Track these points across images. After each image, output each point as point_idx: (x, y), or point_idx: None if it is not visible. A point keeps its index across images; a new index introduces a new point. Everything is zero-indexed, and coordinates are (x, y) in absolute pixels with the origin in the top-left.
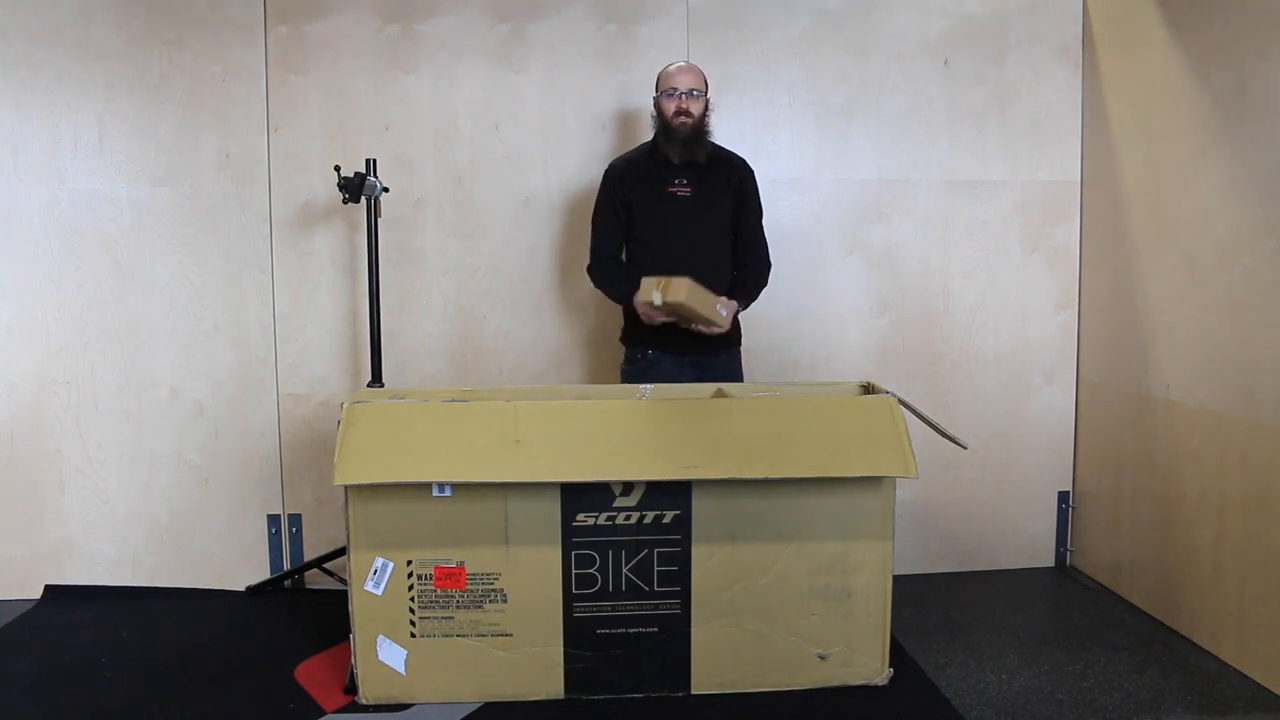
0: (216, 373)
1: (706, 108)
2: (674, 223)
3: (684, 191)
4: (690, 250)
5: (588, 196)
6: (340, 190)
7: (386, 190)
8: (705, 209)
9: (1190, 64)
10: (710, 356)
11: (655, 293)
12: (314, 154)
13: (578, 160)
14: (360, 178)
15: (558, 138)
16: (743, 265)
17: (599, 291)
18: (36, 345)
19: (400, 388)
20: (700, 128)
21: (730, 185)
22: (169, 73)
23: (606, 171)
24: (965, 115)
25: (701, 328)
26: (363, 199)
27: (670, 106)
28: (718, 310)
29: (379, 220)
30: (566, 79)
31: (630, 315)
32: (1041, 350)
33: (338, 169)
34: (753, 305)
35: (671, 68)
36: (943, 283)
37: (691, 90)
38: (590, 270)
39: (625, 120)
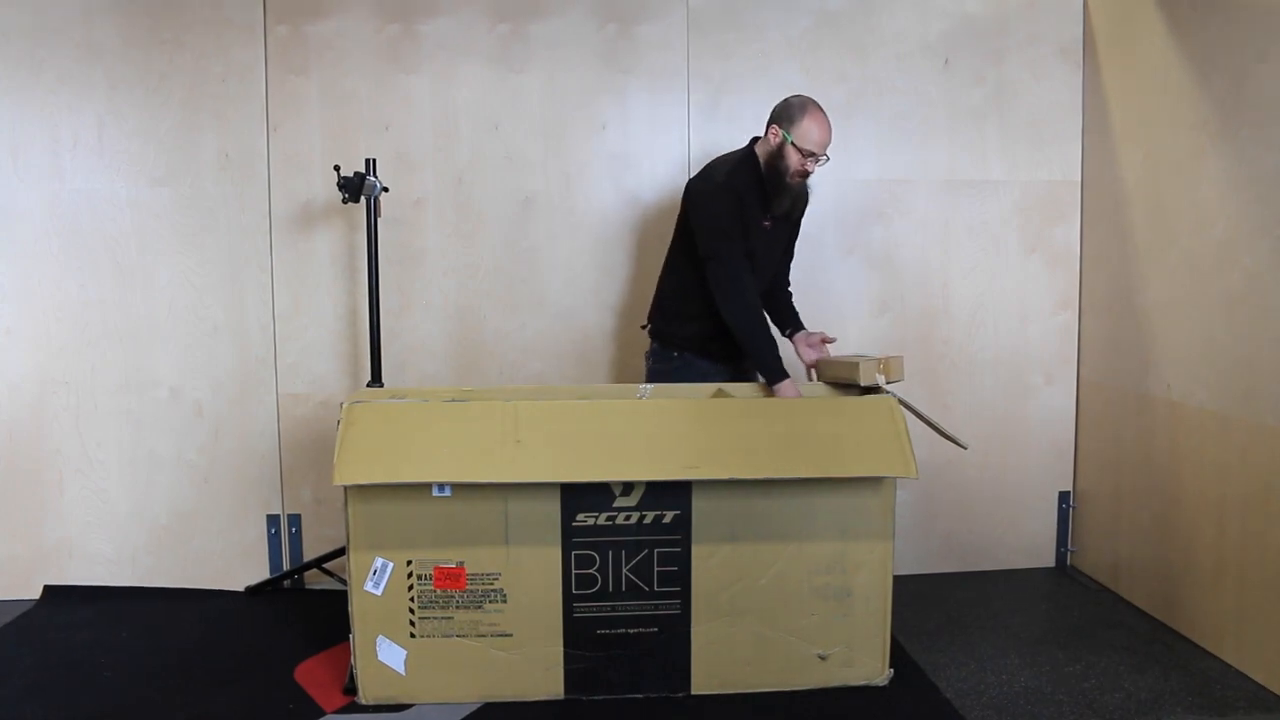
0: (216, 373)
1: None
2: (760, 256)
3: (767, 223)
4: (767, 282)
5: (587, 197)
6: (340, 190)
7: (386, 190)
8: (777, 243)
9: (1190, 64)
10: (743, 360)
11: (878, 375)
12: (314, 154)
13: (578, 160)
14: (360, 177)
15: (558, 138)
16: (784, 288)
17: (600, 292)
18: (37, 345)
19: (400, 388)
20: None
21: (792, 221)
22: (169, 73)
23: (727, 192)
24: (965, 115)
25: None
26: (362, 199)
27: (799, 165)
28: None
29: (379, 220)
30: (567, 79)
31: (674, 314)
32: (1041, 350)
33: (337, 169)
34: None
35: (819, 124)
36: (942, 283)
37: (825, 158)
38: (748, 310)
39: (625, 121)
